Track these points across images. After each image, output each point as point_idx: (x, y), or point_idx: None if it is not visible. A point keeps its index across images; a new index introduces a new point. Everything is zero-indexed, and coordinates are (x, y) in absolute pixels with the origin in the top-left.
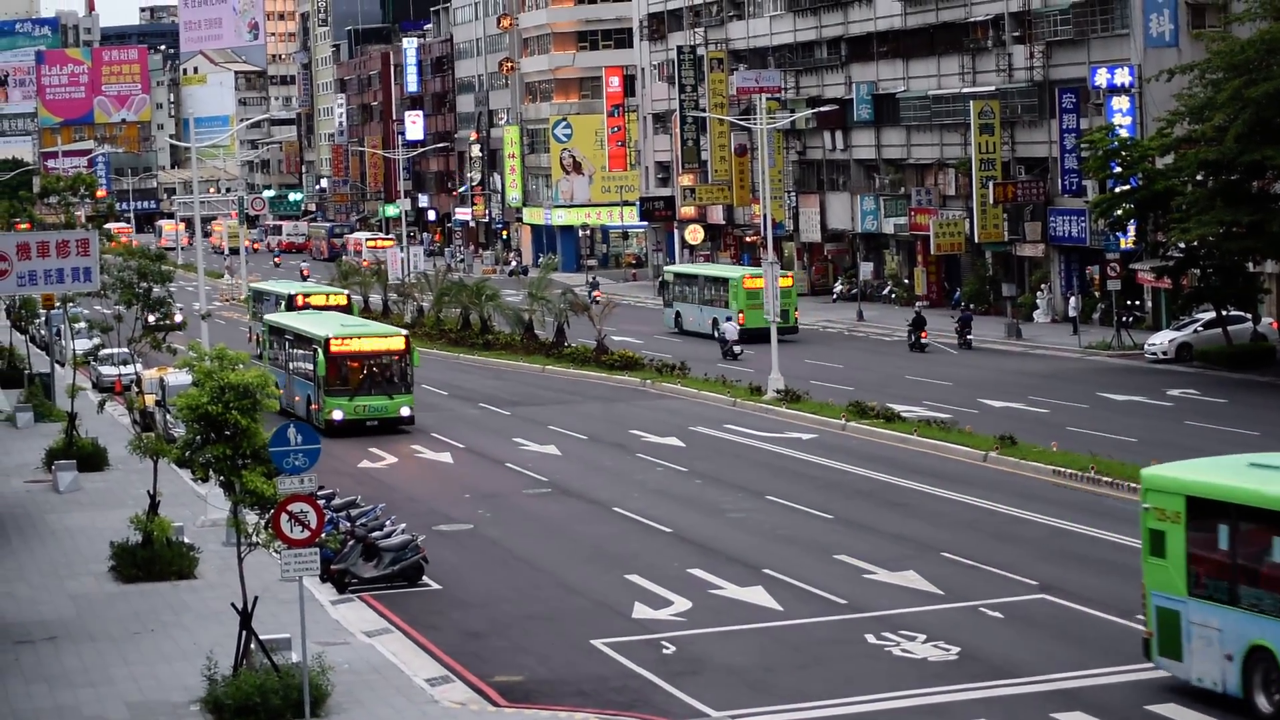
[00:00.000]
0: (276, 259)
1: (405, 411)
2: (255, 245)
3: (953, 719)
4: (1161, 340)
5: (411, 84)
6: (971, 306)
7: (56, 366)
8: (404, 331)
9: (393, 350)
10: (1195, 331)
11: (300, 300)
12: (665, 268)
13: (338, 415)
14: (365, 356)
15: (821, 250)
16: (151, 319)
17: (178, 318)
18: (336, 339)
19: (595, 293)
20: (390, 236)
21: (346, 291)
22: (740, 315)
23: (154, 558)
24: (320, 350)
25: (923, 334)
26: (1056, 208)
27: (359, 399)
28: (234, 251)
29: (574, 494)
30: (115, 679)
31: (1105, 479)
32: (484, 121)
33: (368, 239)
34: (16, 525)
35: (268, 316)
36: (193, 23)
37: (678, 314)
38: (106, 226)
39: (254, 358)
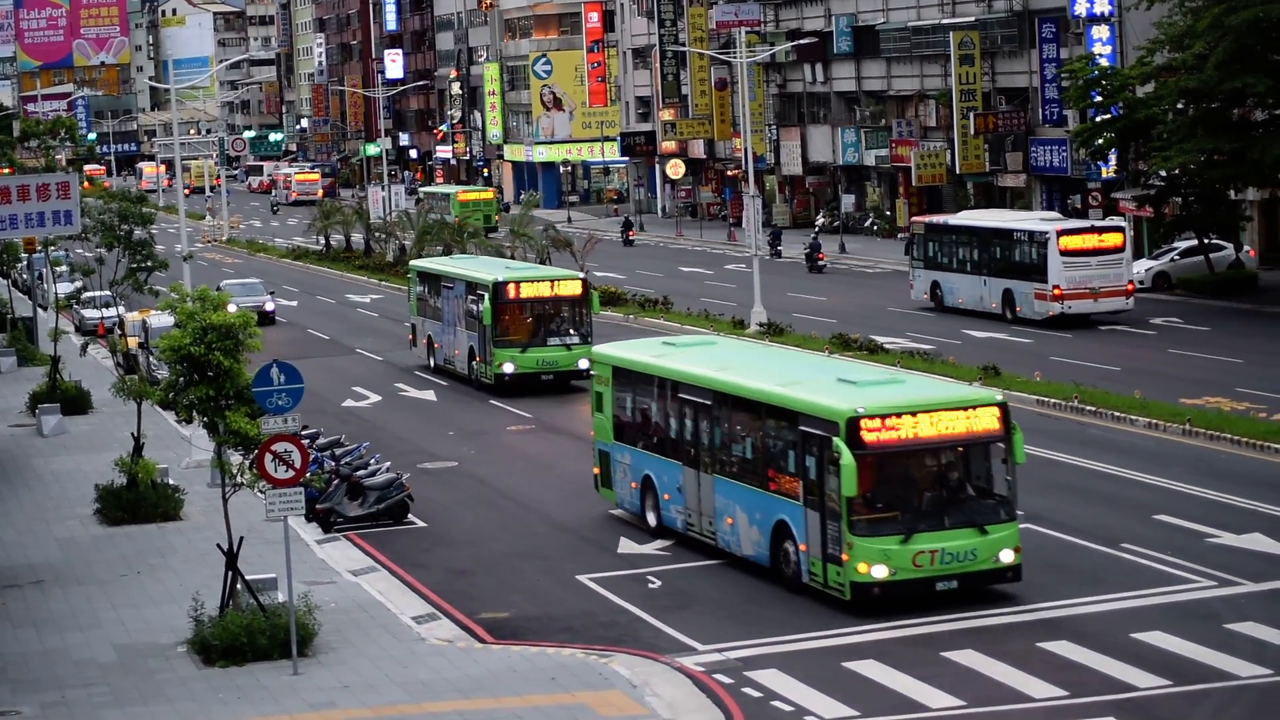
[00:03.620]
0: (274, 208)
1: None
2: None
3: (940, 649)
4: (1138, 269)
5: (390, 22)
6: (819, 228)
7: (39, 310)
8: (581, 274)
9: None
10: (1172, 260)
11: (513, 291)
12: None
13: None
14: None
15: (803, 183)
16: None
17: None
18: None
19: (819, 255)
20: (315, 170)
21: (582, 276)
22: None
23: (139, 500)
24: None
25: (819, 256)
26: (1037, 138)
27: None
28: (200, 191)
29: (559, 430)
30: (102, 622)
31: (1089, 408)
32: (464, 59)
33: (296, 173)
34: (1, 470)
35: (415, 263)
36: None
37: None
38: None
39: (420, 369)
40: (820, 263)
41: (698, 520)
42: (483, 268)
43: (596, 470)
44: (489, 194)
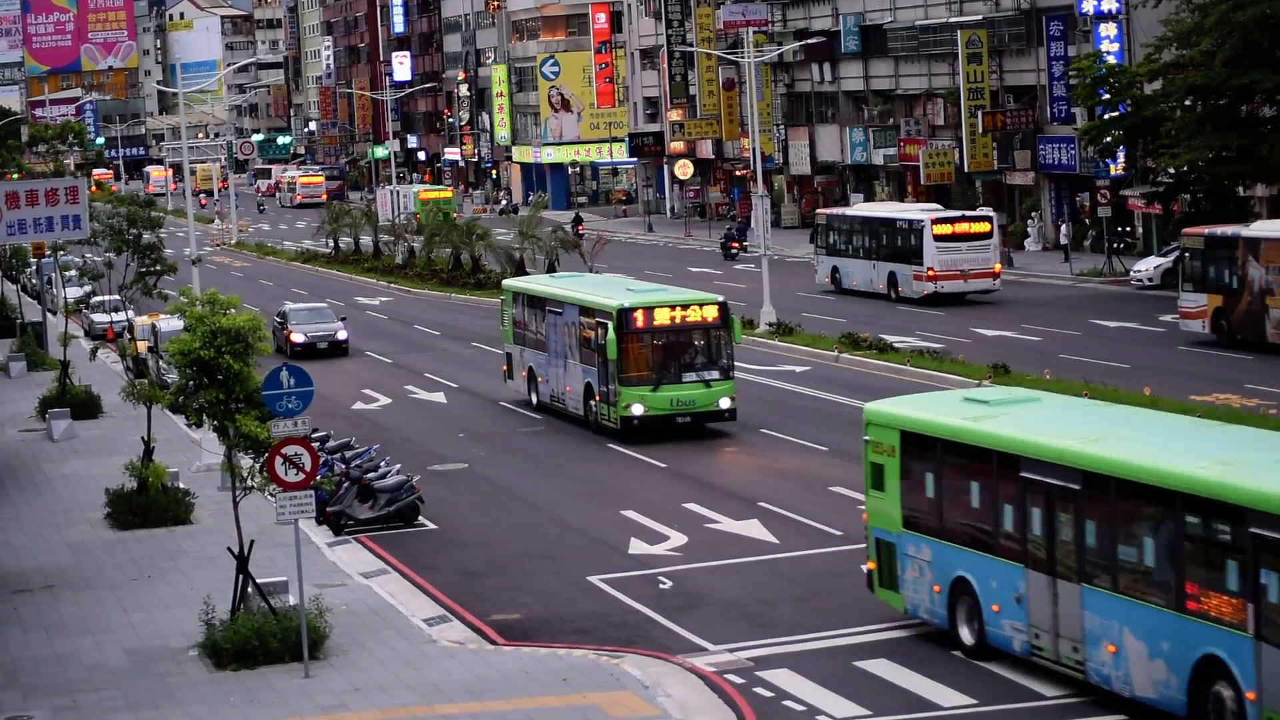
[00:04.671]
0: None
1: (725, 403)
2: (270, 189)
3: (950, 647)
4: (1147, 266)
5: (398, 24)
6: (736, 221)
7: (48, 315)
8: (719, 297)
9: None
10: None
11: (641, 318)
12: None
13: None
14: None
15: (811, 183)
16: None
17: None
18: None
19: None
20: (320, 172)
21: (721, 300)
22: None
23: (150, 504)
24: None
25: (733, 245)
26: (1046, 135)
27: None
28: (208, 194)
29: (567, 431)
30: (114, 626)
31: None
32: (471, 61)
33: (301, 176)
34: (12, 474)
35: (509, 282)
36: None
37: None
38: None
39: (518, 404)
40: (734, 251)
41: (1051, 643)
42: (599, 289)
43: (872, 565)
44: (448, 193)
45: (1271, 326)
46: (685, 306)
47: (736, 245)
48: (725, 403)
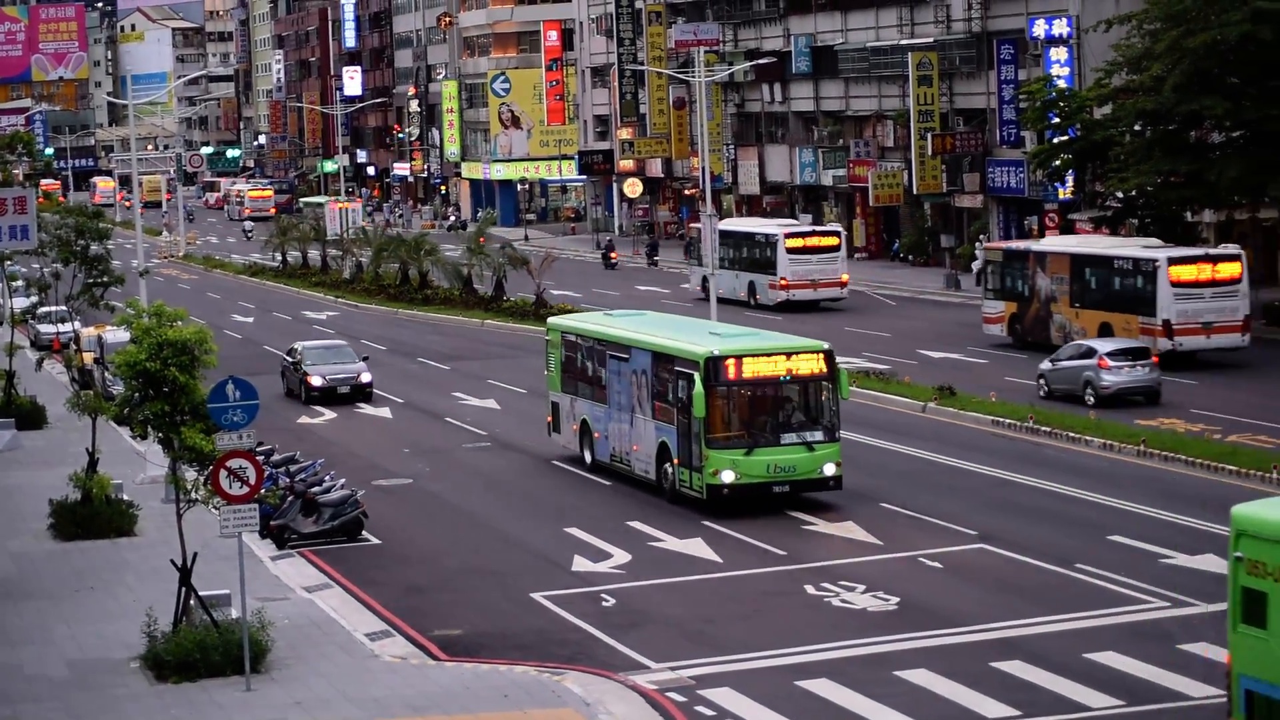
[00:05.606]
0: (247, 230)
1: (829, 469)
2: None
3: (893, 668)
4: None
5: (349, 39)
6: (653, 233)
7: None
8: (824, 344)
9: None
10: None
11: (734, 368)
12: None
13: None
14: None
15: (760, 203)
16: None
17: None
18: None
19: (612, 254)
20: (269, 186)
21: (826, 347)
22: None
23: (93, 515)
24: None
25: (613, 255)
26: (995, 158)
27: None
28: (155, 205)
29: (513, 448)
30: (56, 637)
31: (1044, 429)
32: (422, 76)
33: (249, 189)
34: None
35: (558, 321)
36: None
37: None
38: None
39: (565, 461)
40: (614, 261)
41: None
42: (675, 332)
43: None
44: (357, 204)
45: (1055, 329)
46: (787, 355)
47: (616, 255)
48: (830, 469)
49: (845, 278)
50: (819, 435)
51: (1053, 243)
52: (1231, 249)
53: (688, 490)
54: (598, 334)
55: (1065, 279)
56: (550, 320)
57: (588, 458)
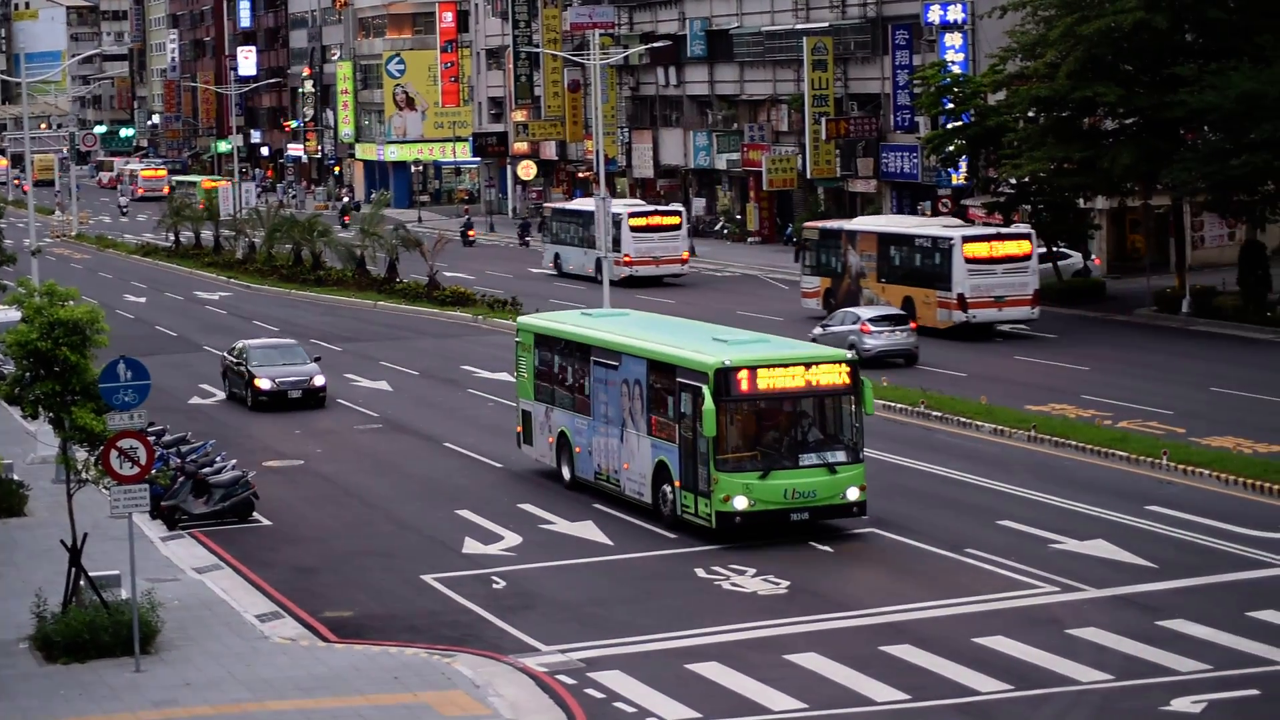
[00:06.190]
0: (122, 205)
1: (853, 494)
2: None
3: (782, 652)
4: None
5: (244, 19)
6: (526, 221)
7: None
8: (846, 354)
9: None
10: None
11: (747, 380)
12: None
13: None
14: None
15: (654, 186)
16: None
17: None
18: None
19: (470, 231)
20: (162, 165)
21: (848, 357)
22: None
23: None
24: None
25: (470, 233)
26: (889, 144)
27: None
28: (49, 184)
29: (405, 430)
30: None
31: (935, 413)
32: (317, 57)
33: (143, 169)
34: None
35: (530, 321)
36: None
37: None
38: None
39: (540, 476)
40: (471, 239)
41: None
42: (674, 337)
43: None
44: (227, 183)
45: (864, 303)
46: (806, 365)
47: (473, 233)
48: (854, 493)
49: (686, 255)
50: (841, 455)
51: (863, 222)
52: (1022, 228)
53: (691, 517)
54: (581, 337)
55: (873, 256)
56: (521, 320)
57: (566, 474)
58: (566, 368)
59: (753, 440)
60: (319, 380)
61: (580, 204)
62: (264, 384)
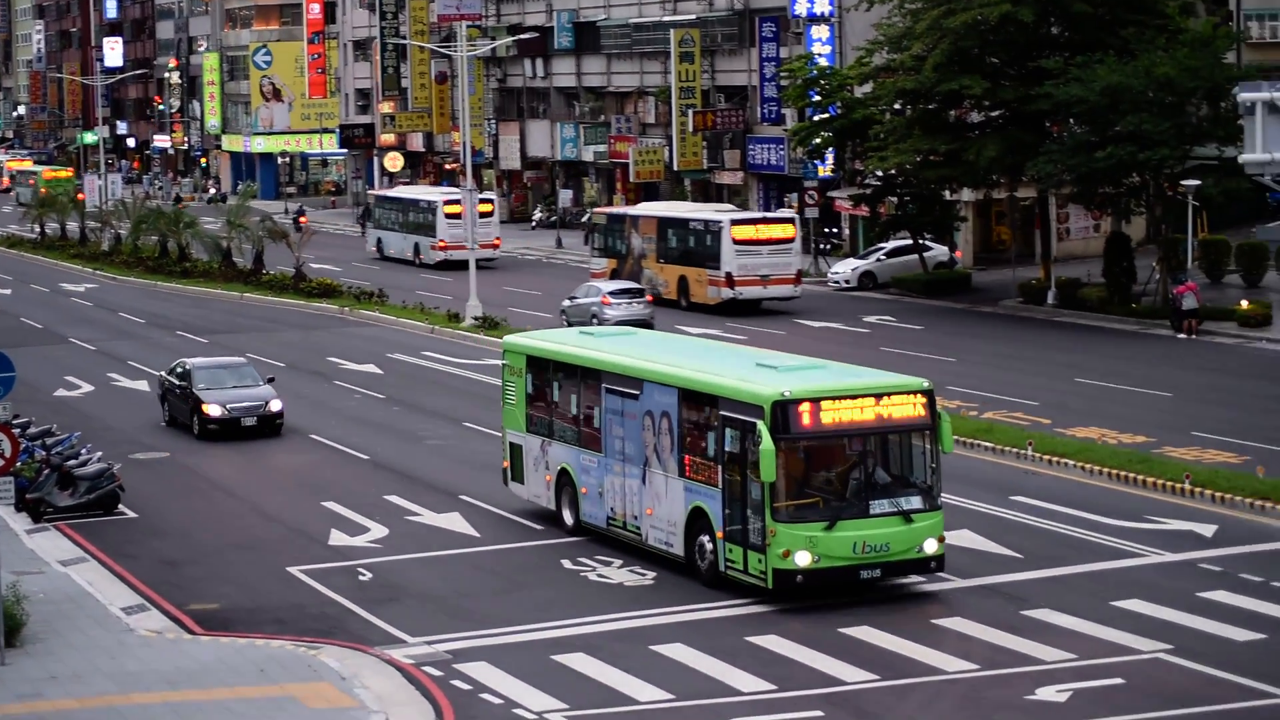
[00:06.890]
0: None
1: (931, 546)
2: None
3: (649, 643)
4: (845, 269)
5: (111, 10)
6: (367, 208)
7: None
8: (924, 382)
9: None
10: (879, 260)
11: (810, 415)
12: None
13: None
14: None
15: (521, 178)
16: None
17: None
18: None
19: (301, 219)
20: (28, 156)
21: (926, 386)
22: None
23: None
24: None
25: (302, 220)
26: (755, 136)
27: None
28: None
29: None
30: None
31: None
32: (184, 48)
33: (8, 160)
34: None
35: (518, 340)
36: None
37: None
38: None
39: (532, 517)
40: (302, 226)
41: None
42: (705, 362)
43: None
44: (68, 173)
45: (645, 282)
46: (878, 397)
47: (304, 219)
48: (932, 545)
49: (498, 240)
50: (917, 502)
51: (645, 208)
52: (785, 213)
53: (739, 574)
54: (588, 361)
55: (654, 239)
56: (508, 340)
57: (568, 518)
58: (569, 396)
59: (815, 485)
60: (275, 405)
61: (401, 192)
62: (213, 410)
